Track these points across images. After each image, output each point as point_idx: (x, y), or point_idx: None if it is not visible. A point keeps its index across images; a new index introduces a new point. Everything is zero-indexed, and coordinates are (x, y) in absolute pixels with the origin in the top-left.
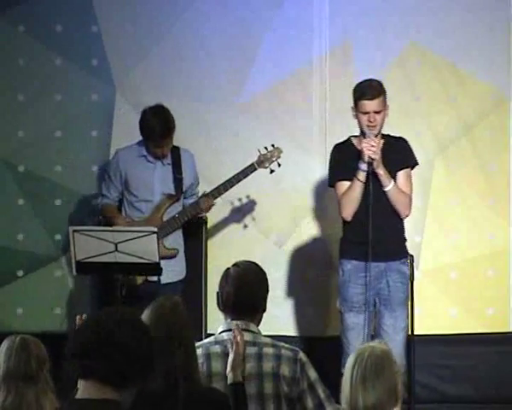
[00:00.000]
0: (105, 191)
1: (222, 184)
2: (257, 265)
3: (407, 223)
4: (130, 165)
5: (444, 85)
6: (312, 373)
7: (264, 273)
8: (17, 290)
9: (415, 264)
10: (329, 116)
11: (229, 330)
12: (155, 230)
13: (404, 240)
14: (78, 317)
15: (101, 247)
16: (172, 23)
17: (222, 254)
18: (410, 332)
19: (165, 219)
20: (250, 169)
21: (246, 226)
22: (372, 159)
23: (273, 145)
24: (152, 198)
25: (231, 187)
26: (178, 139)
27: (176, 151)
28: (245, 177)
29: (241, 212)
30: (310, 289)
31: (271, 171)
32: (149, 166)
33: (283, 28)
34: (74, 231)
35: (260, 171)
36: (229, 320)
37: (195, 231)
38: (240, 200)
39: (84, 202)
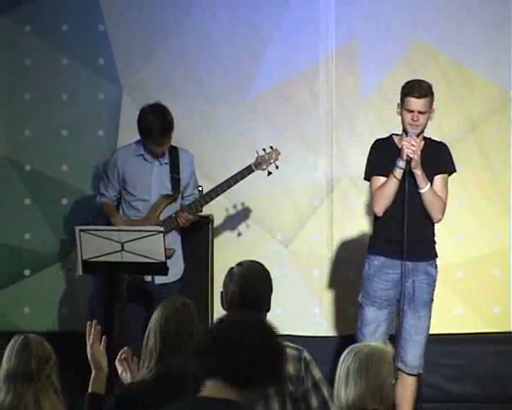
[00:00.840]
0: (103, 190)
1: (218, 186)
2: (261, 264)
3: None
4: (128, 164)
5: (449, 85)
6: (317, 372)
7: (268, 273)
8: (24, 290)
9: None
10: (335, 116)
11: None
12: (162, 229)
13: (434, 242)
14: (88, 323)
15: (108, 246)
16: (179, 23)
17: (228, 253)
18: None
19: (161, 218)
20: (247, 170)
21: (251, 226)
22: (410, 158)
23: (271, 147)
24: (149, 197)
25: (228, 188)
26: (185, 139)
27: (174, 151)
28: (242, 178)
29: (247, 211)
30: (315, 289)
31: (269, 173)
32: (147, 166)
33: (290, 28)
34: (81, 230)
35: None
36: None
37: (201, 231)
38: (245, 199)
39: (91, 201)
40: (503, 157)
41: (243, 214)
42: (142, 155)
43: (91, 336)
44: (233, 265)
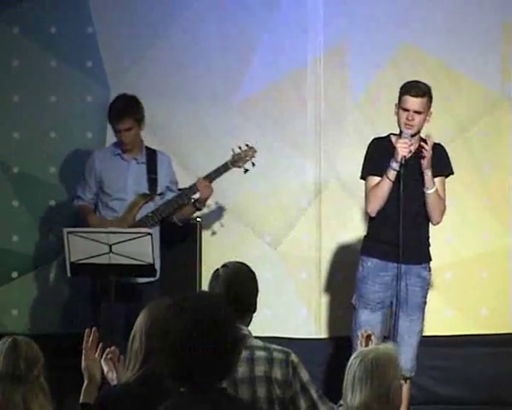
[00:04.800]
0: (80, 193)
1: (194, 184)
2: (246, 265)
3: None
4: (105, 164)
5: (438, 87)
6: (304, 374)
7: (253, 274)
8: (12, 292)
9: None
10: (324, 117)
11: None
12: (150, 231)
13: (428, 245)
14: (87, 331)
15: (96, 248)
16: (168, 24)
17: (216, 255)
18: None
19: (137, 218)
20: (224, 168)
21: (240, 228)
22: (405, 159)
23: (247, 145)
24: (125, 197)
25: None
26: (173, 141)
27: (151, 152)
28: (218, 176)
29: (235, 213)
30: (303, 291)
31: (245, 170)
32: (123, 165)
33: (278, 30)
34: (69, 232)
35: (254, 172)
36: None
37: (190, 232)
38: (234, 201)
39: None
40: (492, 159)
41: (232, 216)
42: (119, 154)
43: (88, 344)
44: None
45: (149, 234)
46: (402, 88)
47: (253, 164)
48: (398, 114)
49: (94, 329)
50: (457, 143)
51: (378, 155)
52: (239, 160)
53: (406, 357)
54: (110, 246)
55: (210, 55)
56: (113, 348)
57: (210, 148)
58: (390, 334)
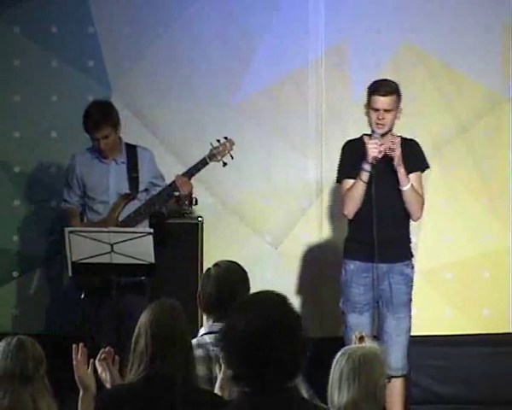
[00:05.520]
0: (66, 196)
1: (173, 181)
2: (238, 264)
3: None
4: (86, 168)
5: (439, 86)
6: None
7: (245, 273)
8: (12, 291)
9: None
10: (325, 117)
11: (212, 332)
12: (151, 231)
13: (409, 242)
14: (74, 346)
15: (97, 248)
16: (168, 24)
17: (217, 254)
18: None
19: (120, 218)
20: (202, 163)
21: (241, 228)
22: (376, 160)
23: (226, 137)
24: (108, 199)
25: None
26: (173, 140)
27: (132, 149)
28: (197, 171)
29: (236, 212)
30: (304, 290)
31: (224, 164)
32: (103, 167)
33: (279, 29)
34: (70, 232)
35: (256, 171)
36: (211, 322)
37: (191, 232)
38: (235, 201)
39: None
40: (492, 159)
41: (232, 216)
42: (97, 157)
43: (77, 359)
44: None
45: (150, 234)
46: (370, 88)
47: (232, 157)
48: (368, 114)
49: (81, 344)
50: (458, 142)
51: (352, 157)
52: (217, 153)
53: (396, 356)
54: (112, 245)
55: (210, 55)
56: (107, 348)
57: (210, 147)
58: (378, 334)
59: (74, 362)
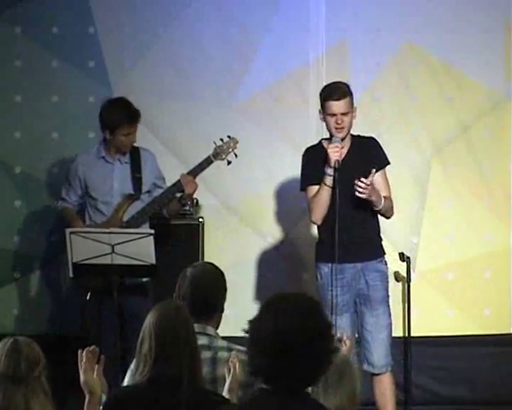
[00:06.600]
0: (64, 195)
1: (178, 181)
2: (214, 265)
3: (403, 224)
4: (89, 168)
5: (440, 86)
6: None
7: (220, 273)
8: (13, 292)
9: (411, 265)
10: None
11: None
12: (152, 232)
13: (380, 239)
14: (80, 351)
15: (98, 249)
16: (169, 24)
17: (218, 255)
18: (406, 334)
19: (125, 219)
20: (206, 162)
21: (242, 228)
22: (338, 163)
23: (229, 136)
24: (111, 199)
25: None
26: (173, 140)
27: (135, 151)
28: (202, 170)
29: (237, 213)
30: (304, 291)
31: (228, 162)
32: (108, 167)
33: (280, 29)
34: (71, 232)
35: (257, 171)
36: None
37: (192, 233)
38: (236, 201)
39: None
40: (494, 158)
41: (233, 217)
42: (103, 157)
43: (84, 364)
44: (224, 267)
45: (151, 234)
46: (322, 94)
47: (236, 155)
48: (324, 119)
49: (87, 348)
50: (459, 142)
51: (313, 163)
52: (221, 152)
53: (379, 354)
54: (113, 246)
55: (211, 55)
56: (92, 347)
57: (210, 147)
58: (359, 333)
59: (80, 367)
